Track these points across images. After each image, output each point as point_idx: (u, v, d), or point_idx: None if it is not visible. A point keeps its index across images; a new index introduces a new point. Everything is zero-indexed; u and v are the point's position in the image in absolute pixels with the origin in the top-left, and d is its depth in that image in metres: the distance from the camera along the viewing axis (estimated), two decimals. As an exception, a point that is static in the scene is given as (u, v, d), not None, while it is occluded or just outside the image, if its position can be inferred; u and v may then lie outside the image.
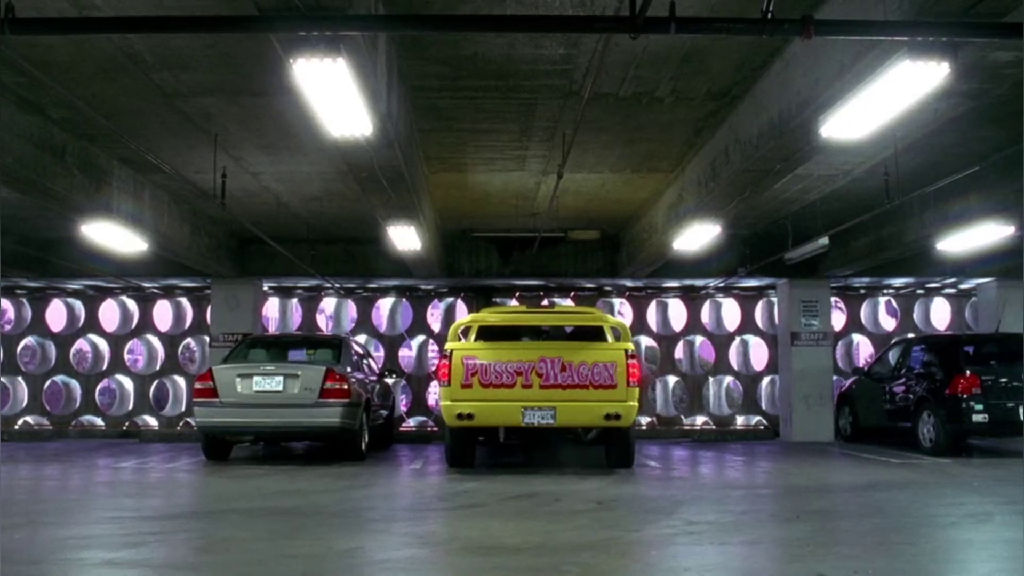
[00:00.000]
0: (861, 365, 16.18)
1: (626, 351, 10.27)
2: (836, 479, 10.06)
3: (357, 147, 7.68)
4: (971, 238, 11.74)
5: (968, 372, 11.98)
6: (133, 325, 17.85)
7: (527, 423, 10.05)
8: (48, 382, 17.75)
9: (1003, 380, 12.00)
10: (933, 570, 4.99)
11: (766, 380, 17.86)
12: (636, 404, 10.18)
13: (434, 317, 18.20)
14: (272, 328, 18.14)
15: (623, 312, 18.44)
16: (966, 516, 6.94)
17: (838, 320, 17.62)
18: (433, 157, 10.62)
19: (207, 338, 16.84)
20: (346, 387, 11.33)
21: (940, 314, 18.38)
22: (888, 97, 6.11)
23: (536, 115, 8.96)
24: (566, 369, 10.13)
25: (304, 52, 5.37)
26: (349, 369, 11.85)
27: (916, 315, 18.13)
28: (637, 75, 7.94)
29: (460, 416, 10.12)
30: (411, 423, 17.84)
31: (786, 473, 10.68)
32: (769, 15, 5.18)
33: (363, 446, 11.84)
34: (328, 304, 18.56)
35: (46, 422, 17.59)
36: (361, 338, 17.39)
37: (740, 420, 17.83)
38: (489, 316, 11.59)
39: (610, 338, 10.76)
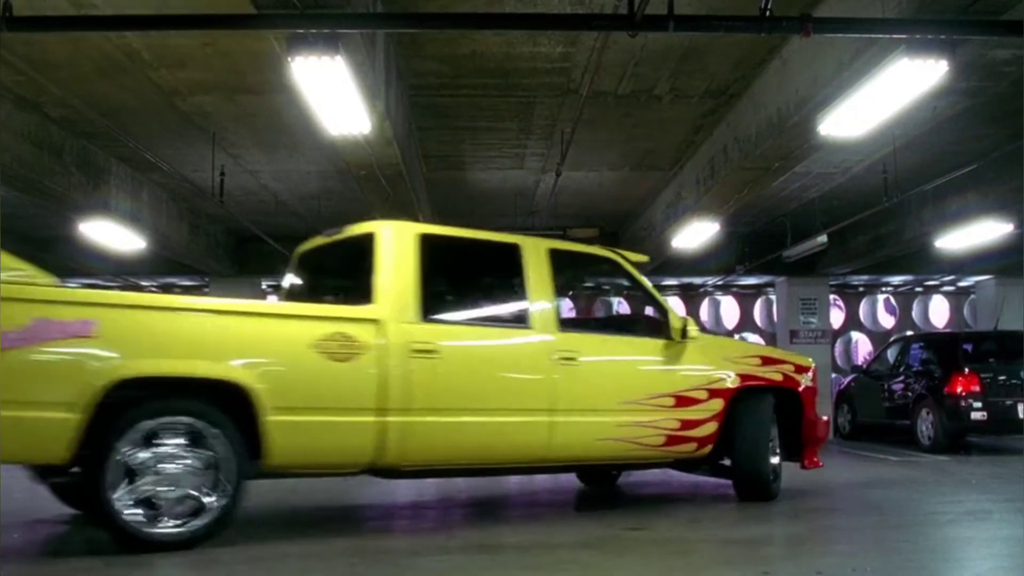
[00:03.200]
0: (860, 363, 16.19)
1: None
2: (834, 477, 10.04)
3: (356, 145, 7.68)
4: (969, 236, 11.75)
5: (967, 370, 11.97)
6: (132, 324, 17.80)
7: None
8: (47, 381, 17.67)
9: (1002, 378, 12.00)
10: (932, 568, 4.99)
11: (765, 378, 17.87)
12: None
13: (433, 315, 18.15)
14: (271, 326, 18.09)
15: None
16: (965, 514, 6.93)
17: (837, 318, 17.63)
18: (432, 155, 10.62)
19: (206, 337, 16.82)
20: (345, 385, 11.28)
21: (939, 312, 18.40)
22: (886, 95, 6.11)
23: (535, 113, 8.95)
24: None
25: (302, 50, 5.37)
26: (348, 367, 11.80)
27: (915, 313, 18.15)
28: (636, 73, 7.94)
29: None
30: (410, 421, 17.81)
31: (784, 471, 10.67)
32: (768, 13, 5.19)
33: (362, 444, 11.78)
34: (327, 302, 18.54)
35: (45, 421, 17.54)
36: (360, 336, 17.35)
37: (739, 418, 17.82)
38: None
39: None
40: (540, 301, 5.98)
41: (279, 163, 10.78)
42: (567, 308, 17.65)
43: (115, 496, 4.48)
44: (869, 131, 7.15)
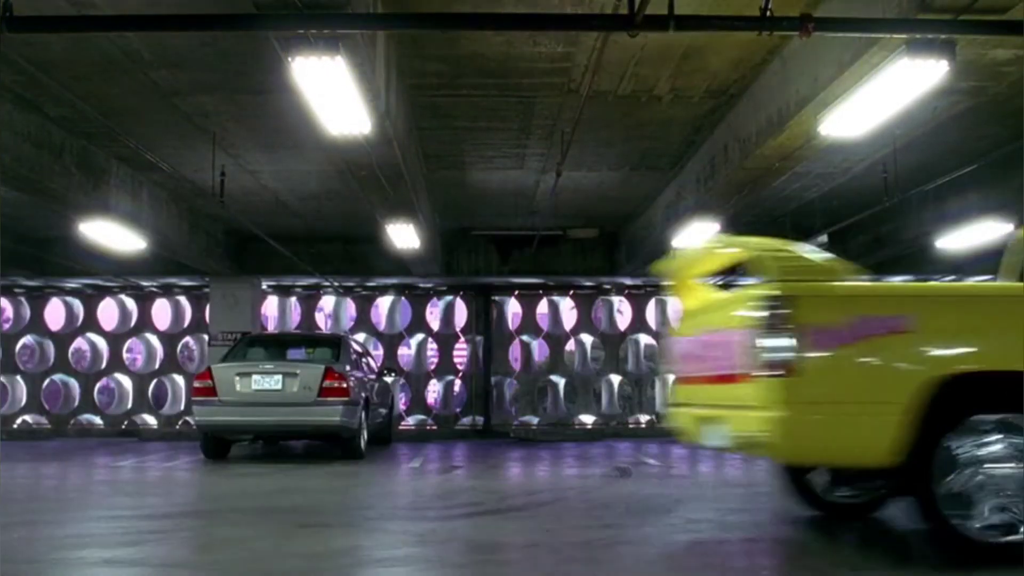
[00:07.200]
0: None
1: None
2: (835, 477, 10.03)
3: (356, 145, 7.69)
4: (970, 236, 11.75)
5: (967, 370, 11.97)
6: (132, 324, 17.87)
7: None
8: (47, 381, 17.76)
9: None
10: (933, 568, 4.99)
11: (765, 378, 17.85)
12: None
13: (433, 315, 18.20)
14: (271, 327, 18.14)
15: (622, 310, 18.43)
16: (965, 514, 6.93)
17: (837, 318, 17.62)
18: (432, 155, 10.62)
19: (206, 337, 16.84)
20: (345, 386, 11.32)
21: (939, 312, 18.38)
22: (887, 95, 6.12)
23: (535, 113, 8.96)
24: None
25: (303, 50, 5.38)
26: (348, 368, 11.84)
27: (915, 313, 18.15)
28: (636, 73, 7.94)
29: None
30: (410, 422, 17.85)
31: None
32: (768, 13, 5.20)
33: (362, 445, 11.83)
34: (327, 303, 18.56)
35: (45, 421, 17.59)
36: (360, 337, 17.38)
37: (739, 418, 17.81)
38: None
39: None
40: None
41: (280, 163, 10.78)
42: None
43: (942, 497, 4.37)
44: (869, 131, 7.15)
